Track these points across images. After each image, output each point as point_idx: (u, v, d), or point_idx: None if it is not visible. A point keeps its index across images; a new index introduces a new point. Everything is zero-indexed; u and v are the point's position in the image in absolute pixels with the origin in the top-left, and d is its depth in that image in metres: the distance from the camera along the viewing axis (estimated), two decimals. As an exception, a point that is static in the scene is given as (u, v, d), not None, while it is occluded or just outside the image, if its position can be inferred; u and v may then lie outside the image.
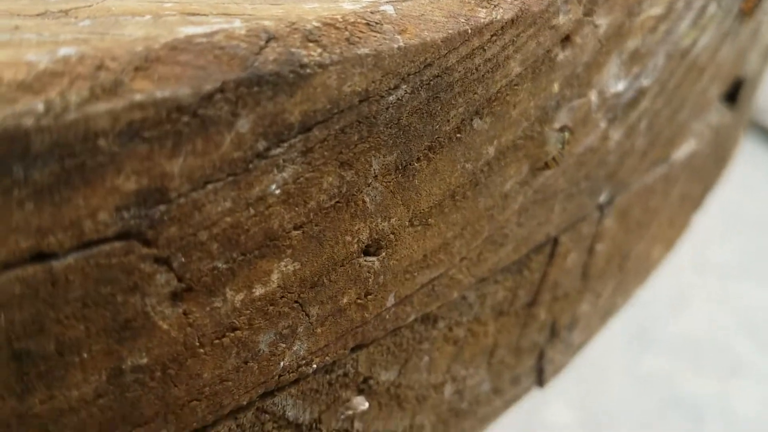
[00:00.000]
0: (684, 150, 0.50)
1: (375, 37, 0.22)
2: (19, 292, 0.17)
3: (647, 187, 0.46)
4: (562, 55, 0.30)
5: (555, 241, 0.38)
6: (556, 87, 0.30)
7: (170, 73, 0.18)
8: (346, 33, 0.22)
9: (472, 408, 0.39)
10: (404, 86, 0.23)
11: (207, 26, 0.20)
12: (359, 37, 0.22)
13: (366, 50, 0.22)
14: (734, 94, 0.65)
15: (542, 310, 0.41)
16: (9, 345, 0.18)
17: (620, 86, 0.36)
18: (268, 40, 0.20)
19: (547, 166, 0.32)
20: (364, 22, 0.22)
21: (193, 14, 0.21)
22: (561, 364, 0.48)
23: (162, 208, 0.19)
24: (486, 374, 0.39)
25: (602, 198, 0.40)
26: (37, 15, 0.22)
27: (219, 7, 0.23)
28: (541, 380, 0.47)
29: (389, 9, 0.23)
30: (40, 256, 0.18)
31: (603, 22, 0.32)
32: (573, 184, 0.36)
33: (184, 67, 0.19)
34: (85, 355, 0.19)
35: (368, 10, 0.23)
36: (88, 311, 0.19)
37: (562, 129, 0.32)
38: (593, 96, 0.34)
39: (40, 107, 0.16)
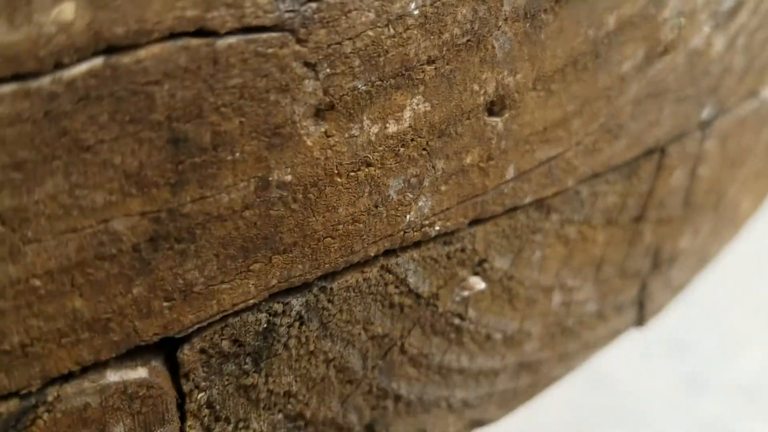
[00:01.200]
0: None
1: None
2: (183, 64, 0.18)
3: (741, 119, 0.45)
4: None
5: (662, 152, 0.38)
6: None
7: None
8: None
9: (576, 329, 0.38)
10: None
11: None
12: None
13: None
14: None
15: (648, 230, 0.40)
16: (168, 125, 0.18)
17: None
18: None
19: (665, 50, 0.31)
20: None
21: None
22: (661, 303, 0.47)
23: (313, 5, 0.19)
24: (593, 291, 0.38)
25: (705, 114, 0.40)
26: None
27: None
28: (642, 317, 0.45)
29: None
30: (204, 32, 0.18)
31: None
32: (681, 86, 0.35)
33: None
34: (237, 155, 0.20)
35: None
36: (244, 103, 0.19)
37: (678, 14, 0.31)
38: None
39: None
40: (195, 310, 0.21)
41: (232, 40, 0.18)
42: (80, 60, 0.16)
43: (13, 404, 0.19)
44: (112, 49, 0.17)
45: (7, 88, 0.15)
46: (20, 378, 0.19)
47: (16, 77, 0.15)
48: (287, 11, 0.19)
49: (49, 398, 0.20)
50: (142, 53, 0.17)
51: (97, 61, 0.16)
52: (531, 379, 0.37)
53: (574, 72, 0.28)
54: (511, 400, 0.36)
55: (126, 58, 0.17)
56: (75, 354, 0.20)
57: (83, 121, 0.17)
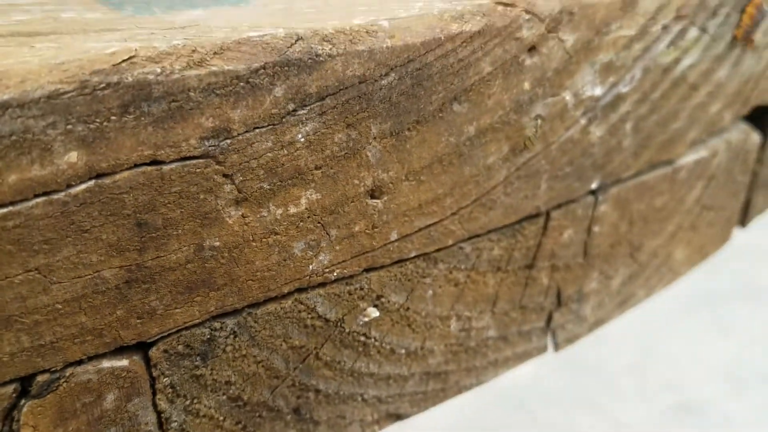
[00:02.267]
0: (690, 157, 0.60)
1: (370, 39, 0.35)
2: (142, 181, 0.31)
3: (648, 185, 0.56)
4: (529, 61, 0.41)
5: (547, 216, 0.49)
6: (526, 85, 0.42)
7: (234, 56, 0.32)
8: (350, 36, 0.34)
9: (480, 349, 0.50)
10: (393, 74, 0.36)
11: (262, 31, 0.33)
12: (359, 39, 0.35)
13: (363, 47, 0.35)
14: (764, 118, 0.73)
15: (543, 275, 0.51)
16: (135, 215, 0.31)
17: (597, 91, 0.47)
18: (297, 39, 0.33)
19: (525, 146, 0.43)
20: (365, 30, 0.35)
21: (257, 26, 0.35)
22: (574, 334, 0.58)
23: (227, 141, 0.32)
24: (491, 321, 0.49)
25: (594, 185, 0.51)
26: (171, 28, 0.36)
27: (276, 22, 0.36)
28: (556, 344, 0.56)
29: (385, 23, 0.36)
30: (155, 162, 0.31)
31: (569, 37, 0.43)
32: (557, 167, 0.47)
33: (243, 53, 0.32)
34: (180, 231, 0.33)
35: (370, 22, 0.36)
36: (182, 201, 0.32)
37: (535, 117, 0.43)
38: (568, 96, 0.45)
39: (158, 70, 0.29)
40: (158, 325, 0.34)
41: (173, 165, 0.31)
42: (81, 183, 0.29)
43: (46, 377, 0.33)
44: (99, 176, 0.30)
45: (40, 200, 0.29)
46: (50, 361, 0.32)
47: (45, 193, 0.29)
48: (210, 146, 0.32)
49: (67, 374, 0.33)
50: (117, 177, 0.30)
51: (91, 183, 0.30)
52: (440, 385, 0.48)
53: (440, 167, 0.40)
54: (422, 401, 0.48)
55: (108, 180, 0.30)
56: (83, 349, 0.33)
57: (83, 215, 0.30)
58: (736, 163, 0.69)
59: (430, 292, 0.43)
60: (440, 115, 0.38)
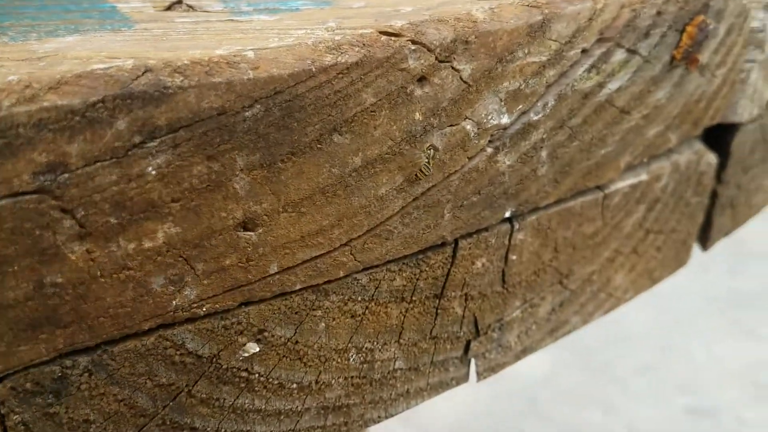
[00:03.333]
0: (626, 182, 0.58)
1: (230, 71, 0.33)
2: (-33, 219, 0.29)
3: (573, 211, 0.54)
4: (420, 91, 0.40)
5: (456, 245, 0.47)
6: (418, 115, 0.40)
7: (71, 90, 0.30)
8: (207, 67, 0.33)
9: (387, 381, 0.48)
10: (258, 106, 0.34)
11: (110, 63, 0.32)
12: (217, 71, 0.33)
13: (220, 79, 0.33)
14: (721, 137, 0.71)
15: (456, 305, 0.49)
16: (-37, 253, 0.30)
17: (504, 119, 0.45)
18: (144, 71, 0.31)
19: (417, 177, 0.41)
20: (225, 61, 0.33)
21: (111, 57, 0.33)
22: (497, 363, 0.56)
23: (65, 175, 0.31)
24: (398, 352, 0.48)
25: (508, 213, 0.49)
26: (26, 59, 0.34)
27: (136, 52, 0.34)
28: (478, 373, 0.54)
29: (250, 53, 0.34)
30: (-18, 198, 0.29)
31: (465, 66, 0.41)
32: (461, 197, 0.45)
33: (82, 87, 0.30)
34: (17, 268, 0.31)
35: (233, 53, 0.34)
36: (16, 237, 0.30)
37: (429, 148, 0.41)
38: (468, 125, 0.43)
39: (-27, 105, 0.28)
40: (2, 363, 0.32)
41: (4, 202, 0.30)
42: None
43: None
44: None
45: None
46: None
47: None
48: (45, 181, 0.30)
49: None
50: (-63, 214, 0.29)
51: None
52: (341, 419, 0.47)
53: (323, 198, 0.38)
54: (321, 435, 0.47)
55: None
56: None
57: None
58: (688, 185, 0.66)
59: (323, 324, 0.42)
60: (318, 146, 0.36)
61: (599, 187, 0.56)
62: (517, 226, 0.50)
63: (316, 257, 0.40)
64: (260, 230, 0.37)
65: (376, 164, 0.39)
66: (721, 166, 0.72)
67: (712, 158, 0.69)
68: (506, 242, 0.50)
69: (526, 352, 0.58)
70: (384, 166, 0.40)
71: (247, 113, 0.34)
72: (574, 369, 1.36)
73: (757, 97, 0.73)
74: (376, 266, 0.43)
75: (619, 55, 0.50)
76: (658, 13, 0.51)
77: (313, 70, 0.35)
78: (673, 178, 0.64)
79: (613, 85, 0.50)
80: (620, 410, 1.30)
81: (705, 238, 0.79)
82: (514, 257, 0.51)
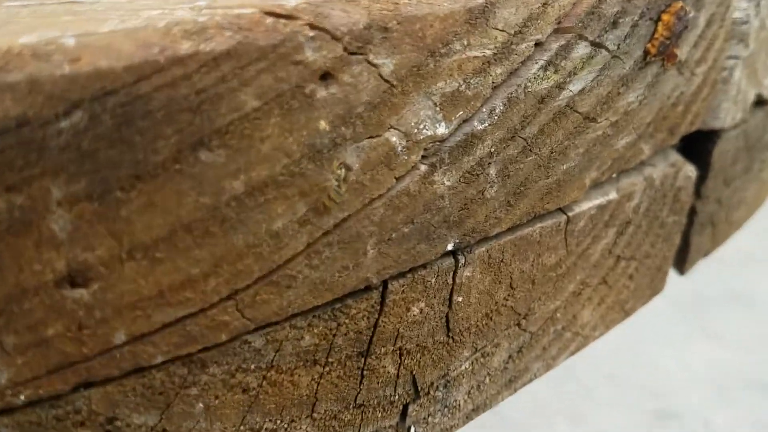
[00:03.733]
0: (592, 202, 0.48)
1: (37, 64, 0.23)
2: None
3: (530, 240, 0.44)
4: (324, 93, 0.30)
5: (384, 288, 0.37)
6: (323, 124, 0.30)
7: None
8: (1, 62, 0.22)
9: (300, 463, 0.38)
10: (80, 112, 0.24)
11: None
12: (16, 65, 0.23)
13: (20, 77, 0.23)
14: (700, 147, 0.63)
15: (387, 362, 0.39)
16: None
17: (440, 129, 0.35)
18: None
19: (325, 205, 0.31)
20: (31, 52, 0.23)
21: None
22: (445, 426, 0.46)
23: None
24: (312, 428, 0.37)
25: (450, 246, 0.39)
26: None
27: None
28: (415, 442, 0.45)
29: (70, 40, 0.24)
30: None
31: (386, 61, 0.31)
32: (389, 228, 0.35)
33: None
34: None
35: (45, 40, 0.24)
36: None
37: (339, 166, 0.31)
38: (394, 137, 0.33)
39: None
40: None
41: None
42: None
43: None
44: None
45: None
46: None
47: None
48: None
49: None
50: None
51: None
52: None
53: (189, 238, 0.28)
54: None
55: None
56: None
57: None
58: (664, 203, 0.57)
59: (200, 405, 0.31)
60: (177, 167, 0.26)
61: (561, 210, 0.47)
62: (462, 260, 0.40)
63: (184, 318, 0.29)
64: (95, 286, 0.26)
65: (266, 190, 0.29)
66: (701, 179, 0.64)
67: (690, 170, 0.60)
68: (449, 281, 0.40)
69: (478, 410, 0.49)
70: (278, 191, 0.30)
71: (63, 123, 0.24)
72: (537, 378, 1.30)
73: (741, 99, 0.65)
74: (275, 323, 0.33)
75: (582, 49, 0.41)
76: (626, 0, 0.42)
77: (163, 61, 0.25)
78: (647, 195, 0.55)
79: (574, 87, 0.41)
80: (587, 419, 1.26)
81: (682, 261, 0.70)
82: (460, 299, 0.41)
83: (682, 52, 0.50)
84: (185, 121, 0.26)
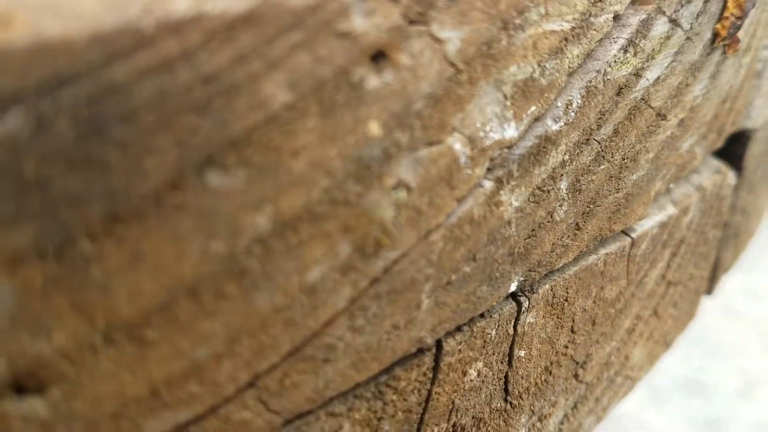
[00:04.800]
0: (654, 220, 0.40)
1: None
2: None
3: (597, 271, 0.36)
4: (376, 80, 0.21)
5: (438, 349, 0.28)
6: (374, 128, 0.21)
7: None
8: None
9: None
10: (16, 114, 0.14)
11: None
12: None
13: None
14: (733, 150, 0.56)
15: (438, 446, 0.30)
16: None
17: (509, 131, 0.27)
18: None
19: (379, 244, 0.22)
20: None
21: None
22: None
23: None
24: None
25: (513, 286, 0.30)
26: None
27: None
28: None
29: (-3, -5, 0.14)
30: None
31: (453, 35, 0.23)
32: (447, 269, 0.26)
33: None
34: None
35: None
36: None
37: (397, 186, 0.22)
38: (457, 143, 0.24)
39: None
40: None
41: None
42: None
43: None
44: None
45: None
46: None
47: None
48: None
49: None
50: None
51: None
52: None
53: (194, 305, 0.19)
54: None
55: None
56: None
57: None
58: (710, 216, 0.50)
59: None
60: (175, 198, 0.17)
61: (625, 232, 0.39)
62: (525, 303, 0.32)
63: (189, 423, 0.20)
64: (55, 392, 0.17)
65: (300, 226, 0.20)
66: (736, 188, 0.57)
67: (732, 178, 0.53)
68: (510, 331, 0.32)
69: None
70: (316, 227, 0.21)
71: (-11, 133, 0.14)
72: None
73: (772, 96, 0.59)
74: (308, 412, 0.24)
75: (661, 26, 0.33)
76: (705, -36, 0.35)
77: (150, 29, 0.16)
78: (698, 208, 0.48)
79: (651, 74, 0.33)
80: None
81: (711, 281, 0.63)
82: (522, 353, 0.33)
83: (741, 36, 0.43)
84: (186, 126, 0.17)
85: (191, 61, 0.17)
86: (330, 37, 0.19)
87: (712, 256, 0.57)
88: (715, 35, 0.38)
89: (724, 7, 0.38)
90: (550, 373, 0.36)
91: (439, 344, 0.28)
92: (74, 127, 0.15)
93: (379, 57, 0.21)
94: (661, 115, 0.36)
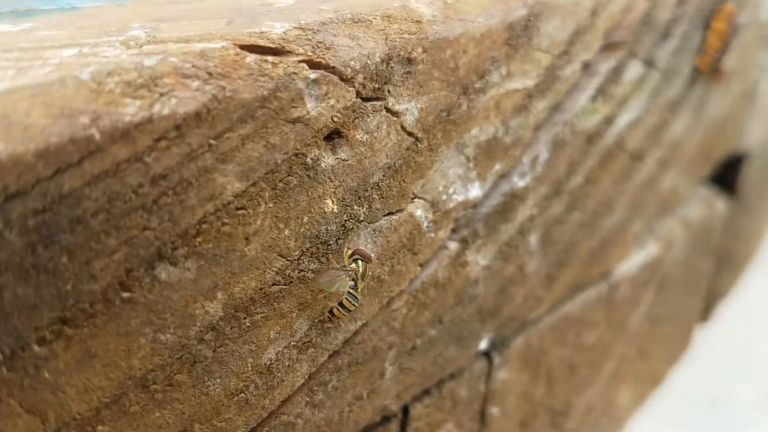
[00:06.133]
0: (634, 261, 0.42)
1: None
2: None
3: (573, 319, 0.38)
4: (331, 159, 0.23)
5: (405, 415, 0.30)
6: (330, 204, 0.23)
7: None
8: None
9: None
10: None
11: None
12: None
13: None
14: (726, 174, 0.58)
15: None
16: None
17: (473, 191, 0.28)
18: None
19: (332, 316, 0.24)
20: None
21: None
22: None
23: None
24: None
25: (483, 344, 0.32)
26: None
27: None
28: None
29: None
30: None
31: (410, 106, 0.25)
32: (412, 335, 0.28)
33: None
34: None
35: None
36: None
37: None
38: (419, 210, 0.26)
39: None
40: None
41: None
42: None
43: None
44: None
45: None
46: None
47: None
48: None
49: None
50: None
51: None
52: None
53: (146, 397, 0.20)
54: None
55: None
56: None
57: None
58: (699, 246, 0.52)
59: None
60: (124, 295, 0.19)
61: (604, 276, 0.41)
62: (497, 360, 0.34)
63: None
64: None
65: (253, 309, 0.22)
66: (730, 212, 0.59)
67: (721, 205, 0.55)
68: (482, 388, 0.33)
69: None
70: (270, 308, 0.22)
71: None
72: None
73: (766, 117, 0.61)
74: (268, 490, 0.25)
75: (634, 69, 0.35)
76: (680, 1, 0.37)
77: (98, 138, 0.17)
78: (685, 241, 0.50)
79: (624, 119, 0.35)
80: None
81: (705, 309, 0.66)
82: (495, 409, 0.35)
83: (727, 65, 0.45)
84: (136, 225, 0.19)
85: (141, 163, 0.18)
86: (282, 125, 0.21)
87: (704, 286, 0.59)
88: (696, 70, 0.40)
89: (705, 39, 0.40)
90: (527, 425, 0.38)
91: (405, 410, 0.30)
92: (23, 237, 0.17)
93: (333, 136, 0.23)
94: (637, 158, 0.38)
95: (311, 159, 0.22)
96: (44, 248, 0.17)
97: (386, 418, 0.29)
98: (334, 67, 0.22)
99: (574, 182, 0.33)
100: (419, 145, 0.25)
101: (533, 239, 0.32)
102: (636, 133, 0.36)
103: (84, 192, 0.18)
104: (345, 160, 0.23)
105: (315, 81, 0.21)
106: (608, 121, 0.34)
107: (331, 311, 0.24)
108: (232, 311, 0.22)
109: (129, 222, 0.19)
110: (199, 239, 0.20)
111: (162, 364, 0.21)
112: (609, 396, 0.47)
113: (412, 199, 0.26)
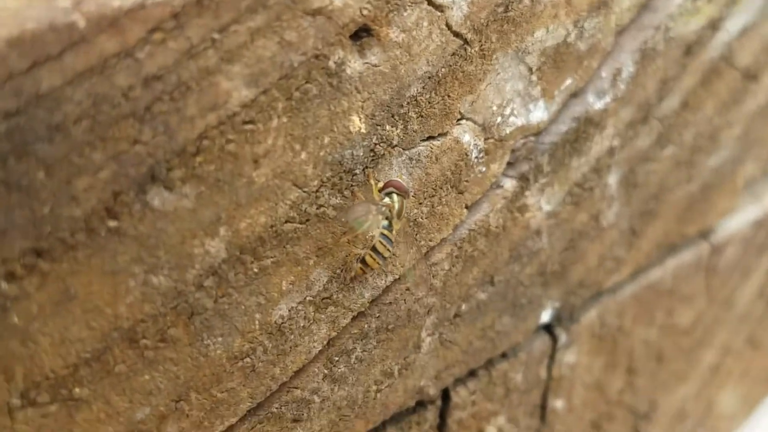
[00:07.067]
0: (744, 216, 0.45)
1: None
2: None
3: (663, 290, 0.40)
4: (359, 64, 0.25)
5: (445, 400, 0.33)
6: (357, 122, 0.25)
7: None
8: None
9: None
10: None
11: None
12: None
13: None
14: None
15: None
16: None
17: (536, 114, 0.31)
18: None
19: (364, 265, 0.27)
20: None
21: None
22: None
23: None
24: None
25: (546, 316, 0.35)
26: None
27: None
28: None
29: None
30: None
31: (458, -3, 0.27)
32: (456, 297, 0.31)
33: None
34: None
35: None
36: None
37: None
38: (466, 134, 0.29)
39: None
40: None
41: None
42: None
43: None
44: None
45: None
46: None
47: None
48: None
49: None
50: None
51: None
52: None
53: (133, 354, 0.23)
54: None
55: None
56: None
57: None
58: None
59: None
60: (110, 224, 0.21)
61: (702, 235, 0.43)
62: (563, 338, 0.36)
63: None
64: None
65: (262, 251, 0.25)
66: None
67: None
68: (543, 375, 0.36)
69: None
70: (282, 252, 0.25)
71: None
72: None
73: None
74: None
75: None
76: None
77: (82, 26, 0.20)
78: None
79: (733, 24, 0.37)
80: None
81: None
82: (560, 403, 0.37)
83: None
84: (126, 137, 0.21)
85: (131, 59, 0.21)
86: (299, 17, 0.23)
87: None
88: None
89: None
90: (599, 428, 0.41)
91: (445, 395, 0.33)
92: (-8, 149, 0.20)
93: (362, 35, 0.25)
94: (751, 76, 0.40)
95: (334, 63, 0.24)
96: (17, 160, 0.20)
97: (421, 404, 0.32)
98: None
99: (668, 106, 0.35)
100: (469, 49, 0.28)
101: (613, 180, 0.34)
102: (750, 43, 0.39)
103: (65, 92, 0.20)
104: (376, 66, 0.25)
105: (340, -39, 0.24)
106: (713, 25, 0.36)
107: (362, 260, 0.27)
108: (237, 253, 0.24)
109: (117, 132, 0.21)
110: (198, 159, 0.23)
111: (154, 313, 0.23)
112: (708, 398, 0.50)
113: (459, 120, 0.28)
